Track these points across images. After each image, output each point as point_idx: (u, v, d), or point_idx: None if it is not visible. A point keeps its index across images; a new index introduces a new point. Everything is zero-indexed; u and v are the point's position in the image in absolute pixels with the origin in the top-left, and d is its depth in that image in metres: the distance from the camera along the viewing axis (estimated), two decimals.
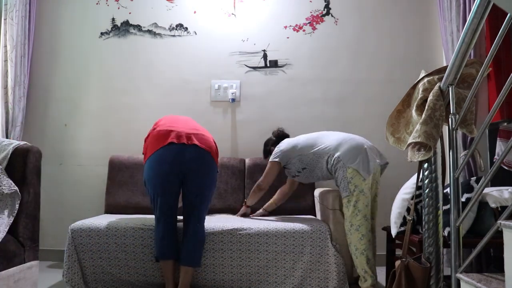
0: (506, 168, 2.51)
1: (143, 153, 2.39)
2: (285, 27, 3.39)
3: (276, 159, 2.59)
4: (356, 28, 3.40)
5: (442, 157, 1.82)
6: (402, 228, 2.21)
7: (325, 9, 3.42)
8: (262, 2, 3.40)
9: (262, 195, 2.70)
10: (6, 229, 1.81)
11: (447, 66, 1.74)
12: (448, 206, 1.77)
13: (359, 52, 3.39)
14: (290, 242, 2.32)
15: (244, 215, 2.77)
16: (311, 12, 3.40)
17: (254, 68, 3.37)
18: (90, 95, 3.36)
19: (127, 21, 3.40)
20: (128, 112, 3.34)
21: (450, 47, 2.93)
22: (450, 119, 1.71)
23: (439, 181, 1.80)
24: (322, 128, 3.32)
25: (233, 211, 2.95)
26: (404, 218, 2.21)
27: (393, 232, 2.27)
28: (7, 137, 3.01)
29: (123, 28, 3.39)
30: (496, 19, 2.66)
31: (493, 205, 2.03)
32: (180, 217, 2.31)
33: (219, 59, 3.38)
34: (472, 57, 2.68)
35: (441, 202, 1.79)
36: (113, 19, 3.40)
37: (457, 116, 1.69)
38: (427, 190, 1.81)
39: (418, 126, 1.75)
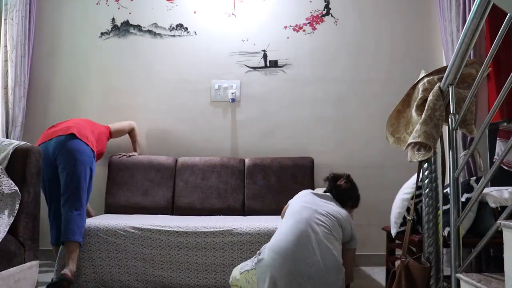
0: (506, 168, 2.51)
1: None
2: (285, 27, 3.39)
3: None
4: (356, 28, 3.40)
5: (442, 157, 1.82)
6: (402, 228, 2.21)
7: (325, 9, 3.42)
8: (262, 2, 3.40)
9: None
10: (6, 229, 1.81)
11: (447, 66, 1.74)
12: (448, 206, 1.77)
13: (359, 52, 3.39)
14: None
15: None
16: (311, 12, 3.40)
17: (254, 68, 3.37)
18: (90, 95, 3.36)
19: (127, 21, 3.40)
20: (128, 112, 3.34)
21: (450, 47, 2.93)
22: (450, 119, 1.71)
23: (439, 181, 1.79)
24: (323, 128, 3.33)
25: (233, 211, 2.96)
26: (404, 218, 2.21)
27: (393, 232, 2.27)
28: (7, 137, 3.01)
29: (123, 28, 3.39)
30: (496, 19, 2.66)
31: (493, 205, 2.03)
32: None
33: (219, 59, 3.38)
34: (472, 57, 2.68)
35: (441, 202, 1.79)
36: (113, 19, 3.40)
37: (457, 116, 1.69)
38: (427, 190, 1.81)
39: (418, 126, 1.75)
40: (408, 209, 2.18)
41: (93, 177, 2.54)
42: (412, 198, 2.14)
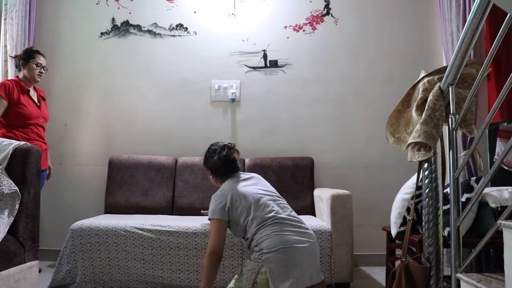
0: (506, 168, 2.51)
1: None
2: (285, 27, 3.39)
3: None
4: (356, 28, 3.40)
5: (442, 157, 1.82)
6: (402, 228, 2.21)
7: (325, 9, 3.42)
8: (262, 2, 3.40)
9: None
10: (6, 229, 1.81)
11: (447, 66, 1.74)
12: (448, 206, 1.77)
13: (359, 52, 3.39)
14: None
15: None
16: (311, 12, 3.40)
17: (254, 68, 3.37)
18: (90, 95, 3.36)
19: (127, 21, 3.40)
20: (128, 112, 3.34)
21: (450, 47, 2.93)
22: (450, 119, 1.71)
23: (439, 181, 1.79)
24: (323, 128, 3.33)
25: None
26: (404, 218, 2.21)
27: (393, 232, 2.28)
28: None
29: (123, 28, 3.39)
30: (496, 19, 2.66)
31: (493, 205, 2.03)
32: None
33: (219, 59, 3.38)
34: (472, 57, 2.68)
35: (441, 202, 1.79)
36: (113, 19, 3.40)
37: (457, 116, 1.69)
38: (427, 190, 1.81)
39: (418, 126, 1.75)
40: (408, 209, 2.18)
41: None
42: (412, 198, 2.14)
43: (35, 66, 2.72)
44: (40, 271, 2.59)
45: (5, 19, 3.05)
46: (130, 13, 3.40)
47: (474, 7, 1.51)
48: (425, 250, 1.78)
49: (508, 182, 2.32)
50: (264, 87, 3.37)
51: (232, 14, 3.41)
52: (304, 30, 3.39)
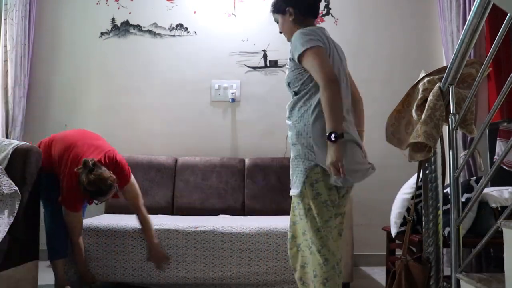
0: (506, 168, 2.51)
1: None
2: None
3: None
4: (356, 28, 3.40)
5: (442, 157, 1.82)
6: (402, 228, 2.21)
7: (325, 9, 3.42)
8: (262, 2, 3.40)
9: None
10: (6, 229, 1.81)
11: (447, 66, 1.74)
12: (448, 206, 1.77)
13: (359, 52, 3.38)
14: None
15: None
16: None
17: (254, 68, 3.37)
18: (90, 95, 3.35)
19: (127, 21, 3.40)
20: (128, 112, 3.34)
21: (450, 47, 2.93)
22: (450, 119, 1.71)
23: (439, 181, 1.79)
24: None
25: (233, 211, 2.95)
26: (404, 218, 2.21)
27: (393, 232, 2.28)
28: (7, 137, 3.01)
29: (123, 28, 3.39)
30: (496, 19, 2.66)
31: (493, 205, 2.03)
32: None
33: (219, 59, 3.38)
34: (472, 57, 2.68)
35: (441, 202, 1.79)
36: (113, 19, 3.40)
37: (457, 116, 1.69)
38: (427, 190, 1.81)
39: (418, 126, 1.75)
40: (408, 209, 2.18)
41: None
42: (412, 198, 2.14)
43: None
44: None
45: (5, 19, 3.05)
46: (130, 13, 3.40)
47: (474, 7, 1.51)
48: (425, 250, 1.78)
49: (508, 182, 2.32)
50: (264, 87, 3.37)
51: (232, 14, 3.41)
52: None
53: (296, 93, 1.63)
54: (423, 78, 1.87)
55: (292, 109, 1.64)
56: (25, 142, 2.05)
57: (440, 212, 1.78)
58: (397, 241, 2.38)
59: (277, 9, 1.79)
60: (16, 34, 3.07)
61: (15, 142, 2.01)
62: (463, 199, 1.98)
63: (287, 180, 3.01)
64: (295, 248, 1.70)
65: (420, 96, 1.81)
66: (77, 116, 3.33)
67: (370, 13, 3.41)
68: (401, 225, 2.23)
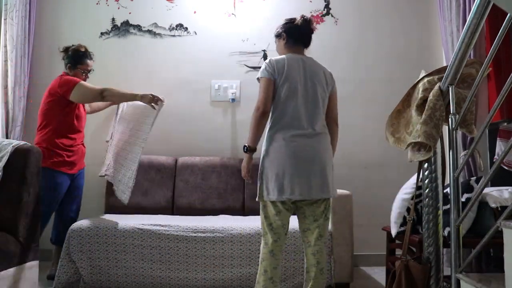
0: (506, 168, 2.51)
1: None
2: None
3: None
4: (356, 28, 3.40)
5: (442, 157, 1.82)
6: (402, 228, 2.21)
7: (325, 9, 3.42)
8: (262, 2, 3.40)
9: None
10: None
11: (447, 66, 1.74)
12: (448, 206, 1.77)
13: (359, 52, 3.39)
14: (291, 242, 2.32)
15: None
16: (311, 12, 3.40)
17: (254, 68, 3.37)
18: None
19: (127, 21, 3.40)
20: None
21: (450, 47, 2.93)
22: (450, 119, 1.71)
23: (439, 181, 1.80)
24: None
25: (233, 211, 2.95)
26: (404, 218, 2.21)
27: (393, 232, 2.28)
28: (7, 137, 3.01)
29: (123, 28, 3.39)
30: (496, 19, 2.66)
31: (493, 205, 2.03)
32: None
33: (219, 59, 3.38)
34: (472, 57, 2.68)
35: (441, 202, 1.79)
36: (113, 19, 3.40)
37: (457, 116, 1.69)
38: (427, 190, 1.81)
39: (418, 126, 1.75)
40: (408, 209, 2.19)
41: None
42: (412, 198, 2.14)
43: (81, 72, 2.80)
44: None
45: (5, 19, 3.05)
46: (130, 13, 3.40)
47: (474, 7, 1.51)
48: (425, 250, 1.78)
49: (508, 182, 2.32)
50: None
51: (232, 14, 3.41)
52: None
53: None
54: (423, 78, 1.87)
55: None
56: (25, 142, 2.05)
57: (440, 212, 1.78)
58: (397, 241, 2.38)
59: (276, 32, 2.14)
60: (16, 34, 3.07)
61: (15, 142, 2.01)
62: (463, 199, 1.98)
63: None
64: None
65: (420, 96, 1.81)
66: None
67: (370, 13, 3.41)
68: (401, 225, 2.23)
